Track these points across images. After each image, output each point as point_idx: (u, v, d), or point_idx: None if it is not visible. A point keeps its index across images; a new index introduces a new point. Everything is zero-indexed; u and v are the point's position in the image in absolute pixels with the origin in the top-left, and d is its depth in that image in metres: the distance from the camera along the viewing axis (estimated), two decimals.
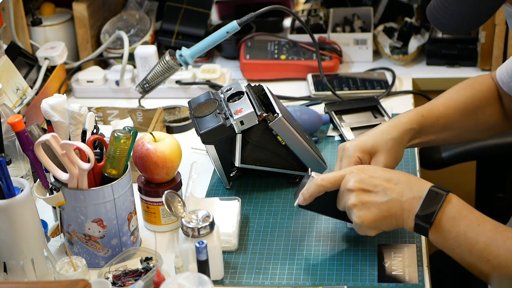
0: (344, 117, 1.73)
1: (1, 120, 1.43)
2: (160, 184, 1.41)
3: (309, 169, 1.34)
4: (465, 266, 1.22)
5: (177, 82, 1.91)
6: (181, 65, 1.70)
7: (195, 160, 1.49)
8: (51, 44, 1.94)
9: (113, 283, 1.27)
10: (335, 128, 1.71)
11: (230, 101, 1.50)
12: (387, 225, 1.26)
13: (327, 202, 1.31)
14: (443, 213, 1.21)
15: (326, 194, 1.30)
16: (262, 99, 1.54)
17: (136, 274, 1.29)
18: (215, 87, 1.88)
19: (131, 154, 1.35)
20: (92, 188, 1.29)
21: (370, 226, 1.26)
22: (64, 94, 1.34)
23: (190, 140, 1.70)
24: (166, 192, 1.30)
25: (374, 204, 1.24)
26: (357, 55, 2.05)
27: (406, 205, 1.23)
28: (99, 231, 1.31)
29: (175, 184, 1.41)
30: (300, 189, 1.32)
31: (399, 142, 1.39)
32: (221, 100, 1.51)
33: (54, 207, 1.43)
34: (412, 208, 1.23)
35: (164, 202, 1.29)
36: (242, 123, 1.45)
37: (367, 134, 1.40)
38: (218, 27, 1.96)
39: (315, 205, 1.32)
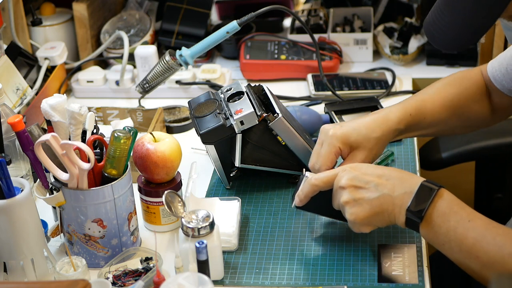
0: (344, 117, 1.73)
1: (1, 120, 1.43)
2: (160, 184, 1.41)
3: (304, 169, 1.34)
4: (456, 263, 1.21)
5: (177, 82, 1.91)
6: (181, 65, 1.70)
7: (195, 160, 1.49)
8: (51, 44, 1.94)
9: (113, 283, 1.27)
10: None
11: (230, 101, 1.50)
12: (380, 221, 1.26)
13: (323, 202, 1.31)
14: (434, 208, 1.20)
15: (322, 194, 1.30)
16: (262, 99, 1.54)
17: (136, 274, 1.29)
18: (215, 87, 1.88)
19: (131, 154, 1.35)
20: (92, 188, 1.29)
21: (363, 222, 1.26)
22: (64, 94, 1.34)
23: (190, 140, 1.70)
24: (166, 192, 1.30)
25: (366, 201, 1.24)
26: (357, 55, 2.05)
27: (398, 201, 1.23)
28: (99, 231, 1.31)
29: (175, 184, 1.41)
30: (297, 190, 1.32)
31: (382, 141, 1.39)
32: (221, 100, 1.51)
33: (54, 207, 1.43)
34: (404, 203, 1.23)
35: (164, 202, 1.29)
36: (242, 123, 1.44)
37: (352, 125, 1.39)
38: (218, 27, 1.96)
39: (312, 205, 1.32)
